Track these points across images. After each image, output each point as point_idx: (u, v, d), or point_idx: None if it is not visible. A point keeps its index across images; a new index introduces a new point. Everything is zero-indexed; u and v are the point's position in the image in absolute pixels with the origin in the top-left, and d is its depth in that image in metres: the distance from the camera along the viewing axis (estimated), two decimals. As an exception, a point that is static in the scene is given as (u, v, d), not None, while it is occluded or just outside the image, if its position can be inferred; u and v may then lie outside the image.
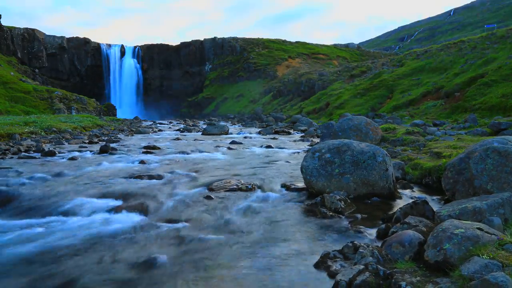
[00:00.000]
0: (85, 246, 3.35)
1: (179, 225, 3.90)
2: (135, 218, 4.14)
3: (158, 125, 32.65)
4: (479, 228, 2.39)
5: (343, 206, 4.31)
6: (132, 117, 48.17)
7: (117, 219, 4.10)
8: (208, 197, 5.04)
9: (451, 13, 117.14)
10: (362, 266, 2.44)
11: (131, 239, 3.48)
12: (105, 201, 4.81)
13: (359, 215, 4.15)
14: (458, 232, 2.35)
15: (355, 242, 2.91)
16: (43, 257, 3.15)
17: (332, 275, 2.61)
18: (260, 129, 21.15)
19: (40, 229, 3.86)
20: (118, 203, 4.75)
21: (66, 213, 4.38)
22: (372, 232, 3.60)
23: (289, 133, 18.70)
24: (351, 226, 3.83)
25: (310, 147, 11.90)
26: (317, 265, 2.79)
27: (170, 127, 28.12)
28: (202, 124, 31.39)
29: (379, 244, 3.12)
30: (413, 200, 4.02)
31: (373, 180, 4.88)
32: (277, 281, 2.62)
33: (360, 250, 2.70)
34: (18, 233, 3.82)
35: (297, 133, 19.27)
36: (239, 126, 29.44)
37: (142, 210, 4.40)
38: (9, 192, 5.35)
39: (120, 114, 47.46)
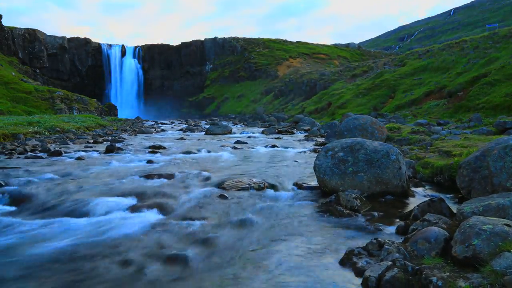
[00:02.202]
0: (107, 245, 3.36)
1: (198, 223, 3.91)
2: (154, 216, 4.16)
3: (160, 125, 32.66)
4: (506, 224, 2.41)
5: (359, 204, 4.33)
6: (133, 117, 48.16)
7: (135, 218, 4.11)
8: (222, 196, 5.06)
9: (451, 13, 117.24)
10: (389, 262, 2.47)
11: (152, 238, 3.49)
12: (120, 200, 4.82)
13: (375, 213, 4.18)
14: (486, 228, 2.37)
15: (379, 238, 2.93)
16: (64, 257, 3.13)
17: (358, 271, 2.63)
18: (263, 129, 21.17)
19: (59, 229, 3.87)
20: (133, 202, 4.76)
21: (83, 213, 4.39)
22: (391, 230, 3.62)
23: (293, 133, 18.72)
24: (369, 223, 3.85)
25: (316, 147, 11.95)
26: (342, 262, 2.81)
27: (172, 127, 28.13)
28: (204, 124, 31.41)
29: (400, 241, 3.14)
30: (430, 198, 4.04)
31: (387, 179, 4.90)
32: (303, 277, 2.64)
33: (386, 246, 2.72)
34: (37, 232, 3.83)
35: (301, 132, 19.28)
36: (241, 126, 29.45)
37: (159, 209, 4.42)
38: (23, 192, 5.36)
39: (120, 114, 47.43)
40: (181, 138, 15.93)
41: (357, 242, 3.24)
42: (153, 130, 23.08)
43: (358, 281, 2.51)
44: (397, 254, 2.60)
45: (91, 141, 14.28)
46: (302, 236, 3.52)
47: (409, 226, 3.46)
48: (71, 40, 65.00)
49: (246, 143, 13.45)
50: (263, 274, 2.72)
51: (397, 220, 3.97)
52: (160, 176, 6.64)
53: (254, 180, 5.92)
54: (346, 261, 2.79)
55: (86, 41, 66.55)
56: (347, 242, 3.30)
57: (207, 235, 3.51)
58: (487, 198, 3.14)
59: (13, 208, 4.84)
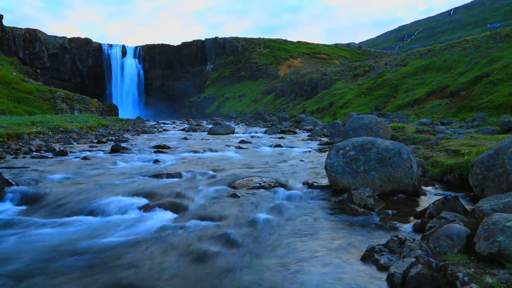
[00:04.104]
0: (121, 244, 3.37)
1: (214, 222, 3.92)
2: (169, 216, 4.16)
3: (162, 125, 32.66)
4: (530, 221, 2.43)
5: (372, 203, 4.34)
6: (133, 117, 48.18)
7: (149, 217, 4.11)
8: (234, 195, 5.07)
9: (451, 13, 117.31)
10: (413, 259, 2.48)
11: (170, 237, 3.50)
12: (132, 200, 4.82)
13: (389, 211, 4.19)
14: (510, 224, 2.39)
15: (399, 236, 2.95)
16: (77, 257, 3.13)
17: (381, 268, 2.65)
18: (265, 129, 21.18)
19: (74, 229, 3.87)
20: (145, 201, 4.75)
21: (97, 212, 4.39)
22: (407, 227, 3.64)
23: (296, 133, 18.74)
24: (384, 221, 3.86)
25: (321, 146, 11.96)
26: (364, 259, 2.83)
27: (174, 127, 28.14)
28: (205, 124, 31.42)
29: (419, 238, 3.15)
30: (444, 196, 4.06)
31: (398, 177, 4.91)
32: (327, 273, 2.65)
33: (407, 243, 2.74)
34: (50, 232, 3.83)
35: (303, 132, 19.30)
36: (243, 125, 29.46)
37: (173, 208, 4.42)
38: (33, 191, 5.35)
39: (121, 114, 47.41)
40: (185, 138, 15.94)
41: (375, 240, 3.25)
42: (155, 130, 23.08)
43: (382, 276, 2.52)
44: (419, 251, 2.61)
45: (95, 141, 14.29)
46: (319, 234, 3.53)
47: (425, 224, 3.47)
48: (71, 40, 65.00)
49: (250, 142, 13.46)
50: (285, 272, 2.73)
51: (412, 218, 3.99)
52: (169, 175, 6.65)
53: (264, 179, 5.93)
54: (368, 258, 2.80)
55: (87, 41, 66.55)
56: (365, 239, 3.32)
57: (224, 234, 3.50)
58: (505, 196, 3.16)
59: (25, 208, 4.85)
